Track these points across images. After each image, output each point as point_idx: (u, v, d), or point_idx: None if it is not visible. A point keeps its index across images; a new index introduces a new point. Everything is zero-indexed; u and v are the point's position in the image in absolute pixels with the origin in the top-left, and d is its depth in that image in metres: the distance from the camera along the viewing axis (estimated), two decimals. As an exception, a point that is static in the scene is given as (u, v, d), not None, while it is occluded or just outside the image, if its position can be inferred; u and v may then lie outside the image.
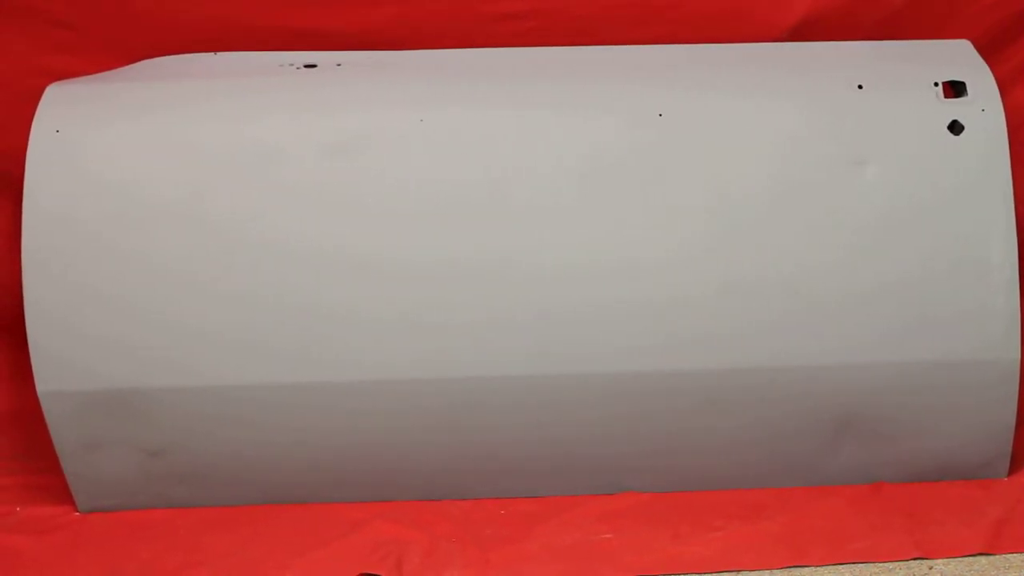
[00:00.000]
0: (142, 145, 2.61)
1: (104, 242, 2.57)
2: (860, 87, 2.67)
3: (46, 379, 2.59)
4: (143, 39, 2.91)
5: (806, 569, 2.47)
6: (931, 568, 2.45)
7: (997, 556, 2.47)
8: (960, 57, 2.75)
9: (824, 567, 2.47)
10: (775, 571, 2.46)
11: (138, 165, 2.60)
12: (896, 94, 2.66)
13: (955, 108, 2.64)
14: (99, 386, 2.60)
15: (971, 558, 2.47)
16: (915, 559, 2.47)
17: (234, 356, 2.59)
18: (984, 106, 2.64)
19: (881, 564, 2.46)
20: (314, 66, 2.77)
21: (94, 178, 2.59)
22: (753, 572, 2.46)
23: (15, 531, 2.64)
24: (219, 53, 2.86)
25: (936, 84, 2.67)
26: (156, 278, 2.58)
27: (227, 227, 2.58)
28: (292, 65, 2.77)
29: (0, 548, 2.59)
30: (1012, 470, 2.72)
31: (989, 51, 2.89)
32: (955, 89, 2.68)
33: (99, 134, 2.62)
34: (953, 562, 2.46)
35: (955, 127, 2.63)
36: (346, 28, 2.92)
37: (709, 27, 2.93)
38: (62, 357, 2.59)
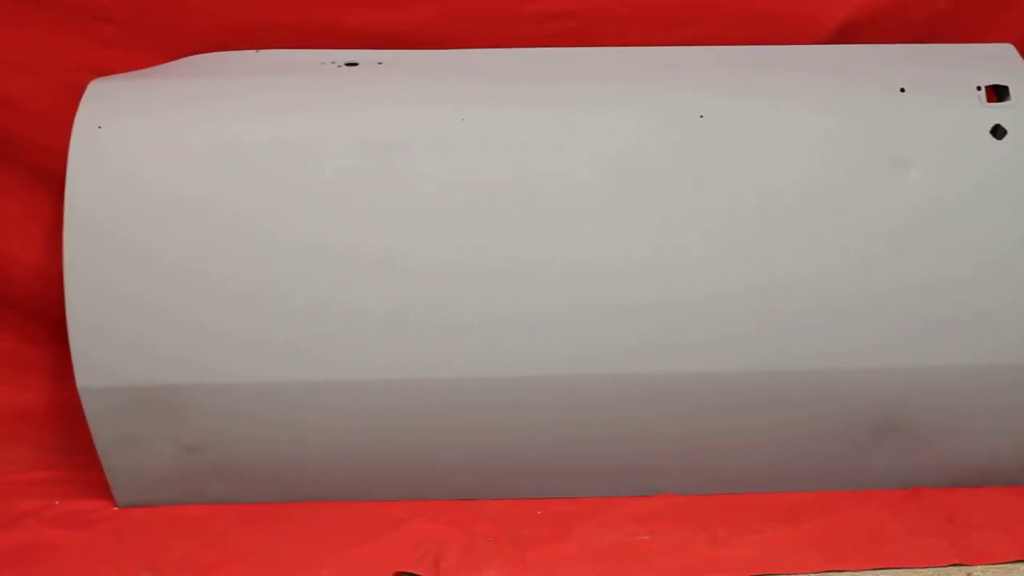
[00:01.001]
0: (183, 141, 2.62)
1: (145, 239, 2.57)
2: (902, 90, 2.66)
3: (86, 375, 2.60)
4: (185, 36, 2.91)
5: (844, 574, 2.46)
6: (969, 574, 2.44)
7: (1037, 563, 2.47)
8: (1003, 61, 2.74)
9: (862, 572, 2.47)
10: (812, 575, 2.46)
11: (179, 161, 2.60)
12: (938, 98, 2.65)
13: (997, 112, 2.63)
14: (138, 382, 2.60)
15: (1010, 565, 2.46)
16: (953, 565, 2.46)
17: (273, 353, 2.59)
18: (1027, 110, 2.64)
19: (919, 570, 2.46)
20: (355, 64, 2.77)
21: (135, 174, 2.59)
22: (791, 576, 2.47)
23: (54, 525, 2.65)
24: (260, 50, 2.86)
25: (979, 88, 2.66)
26: (196, 275, 2.58)
27: (267, 225, 2.58)
28: (333, 63, 2.78)
29: (39, 542, 2.60)
30: (1052, 476, 2.71)
31: (1033, 55, 2.88)
32: (998, 93, 2.67)
33: (141, 130, 2.62)
34: (992, 568, 2.46)
35: (997, 131, 2.62)
36: (387, 27, 2.92)
37: (751, 28, 2.92)
38: (102, 353, 2.59)
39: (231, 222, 2.58)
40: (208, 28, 2.92)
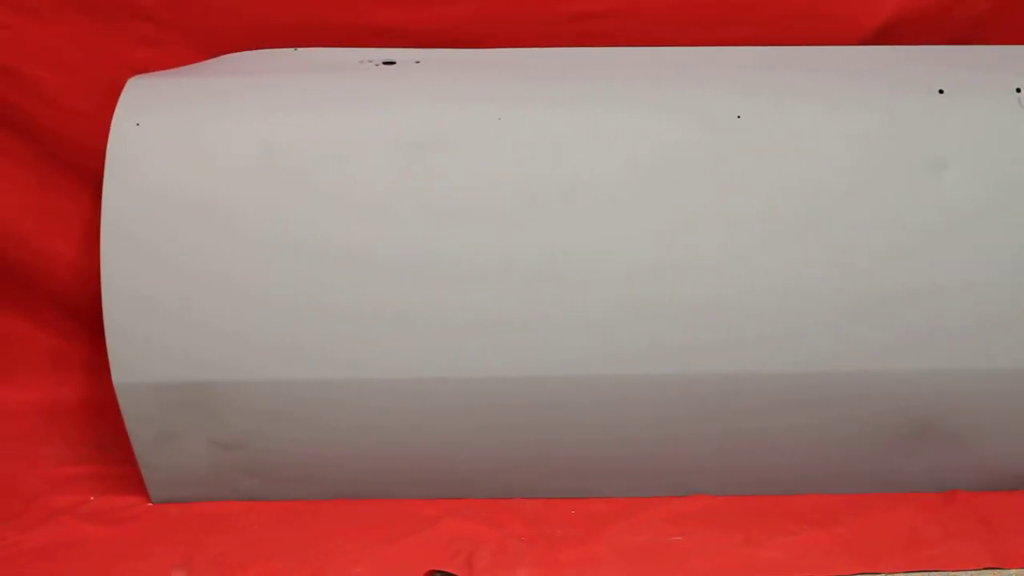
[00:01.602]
0: (220, 139, 2.62)
1: (182, 236, 2.58)
2: (941, 92, 2.64)
3: (121, 371, 2.60)
4: (224, 34, 2.92)
5: (878, 576, 2.47)
6: (1003, 578, 2.44)
7: (1073, 567, 2.46)
8: (1043, 63, 2.74)
9: (895, 574, 2.45)
10: (846, 577, 2.46)
11: (216, 159, 2.61)
12: (977, 99, 2.64)
13: (1036, 114, 2.63)
14: (173, 379, 2.61)
15: (1045, 569, 2.46)
16: (987, 569, 2.45)
17: (310, 351, 2.59)
18: (1066, 113, 2.62)
19: (953, 572, 2.45)
20: (393, 63, 2.78)
21: (173, 172, 2.60)
22: (824, 578, 2.46)
23: (88, 520, 2.66)
24: (299, 49, 2.87)
25: (1018, 90, 2.64)
26: (234, 273, 2.58)
27: (304, 224, 2.58)
28: (371, 62, 2.78)
29: (73, 537, 2.61)
30: (1089, 480, 2.70)
31: (1073, 57, 2.86)
32: (1037, 95, 2.66)
33: (178, 128, 2.63)
34: (1027, 572, 2.45)
35: (1036, 133, 2.61)
36: (425, 25, 2.92)
37: (791, 28, 2.91)
38: (137, 350, 2.60)
39: (267, 221, 2.58)
40: (247, 27, 2.93)
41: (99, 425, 2.97)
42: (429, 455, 2.67)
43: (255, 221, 2.58)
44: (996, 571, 2.44)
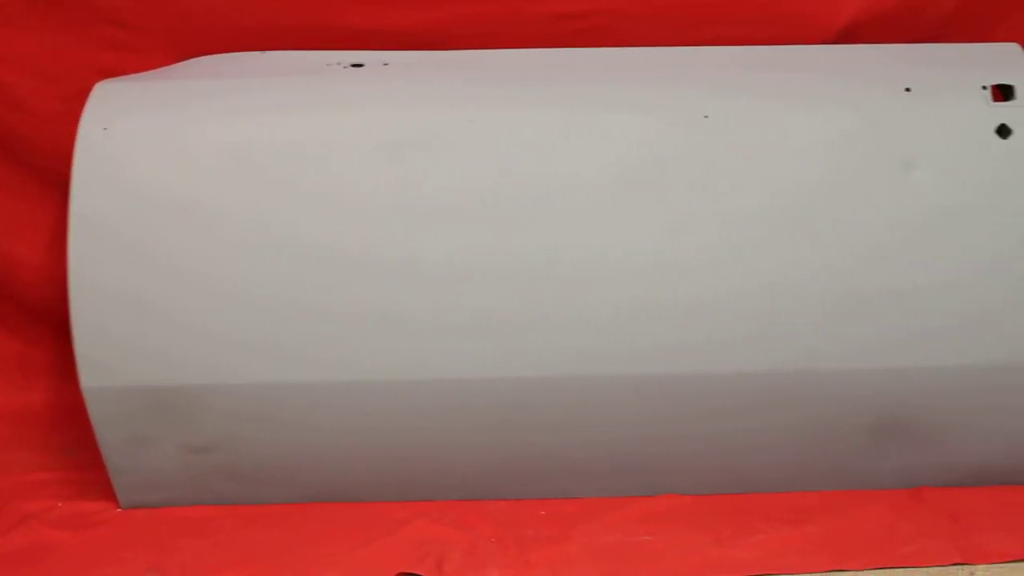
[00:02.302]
0: (188, 143, 2.62)
1: (150, 240, 2.58)
2: (908, 90, 2.65)
3: (90, 376, 2.60)
4: (193, 37, 2.92)
5: (847, 573, 2.46)
6: (972, 573, 2.44)
7: (1040, 562, 2.47)
8: (1009, 60, 2.73)
9: (865, 571, 2.46)
10: (816, 575, 2.46)
11: (184, 163, 2.60)
12: (944, 97, 2.65)
13: (1003, 111, 2.63)
14: (142, 383, 2.60)
15: (1013, 564, 2.46)
16: (956, 564, 2.46)
17: (279, 354, 2.59)
18: (1033, 110, 2.63)
19: (923, 569, 2.45)
20: (361, 65, 2.78)
21: (141, 176, 2.60)
22: (795, 576, 2.46)
23: (57, 526, 2.65)
24: (266, 52, 2.87)
25: (984, 87, 2.65)
26: (200, 277, 2.58)
27: (274, 227, 2.58)
28: (339, 64, 2.78)
29: (42, 543, 2.60)
30: (1056, 475, 2.71)
31: (1039, 55, 2.88)
32: (1003, 93, 2.66)
33: (146, 132, 2.63)
34: (994, 568, 2.45)
35: (1003, 131, 2.61)
36: (397, 28, 2.92)
37: (760, 29, 2.92)
38: (106, 354, 2.59)
39: (237, 224, 2.58)
40: (215, 30, 2.93)
41: (67, 430, 2.96)
42: (399, 457, 2.67)
43: (224, 224, 2.58)
44: (964, 567, 2.45)
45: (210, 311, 2.58)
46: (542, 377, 2.60)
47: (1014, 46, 2.79)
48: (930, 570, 2.45)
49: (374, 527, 2.61)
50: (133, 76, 2.81)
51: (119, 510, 2.71)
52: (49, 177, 2.97)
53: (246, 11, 2.92)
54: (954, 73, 2.69)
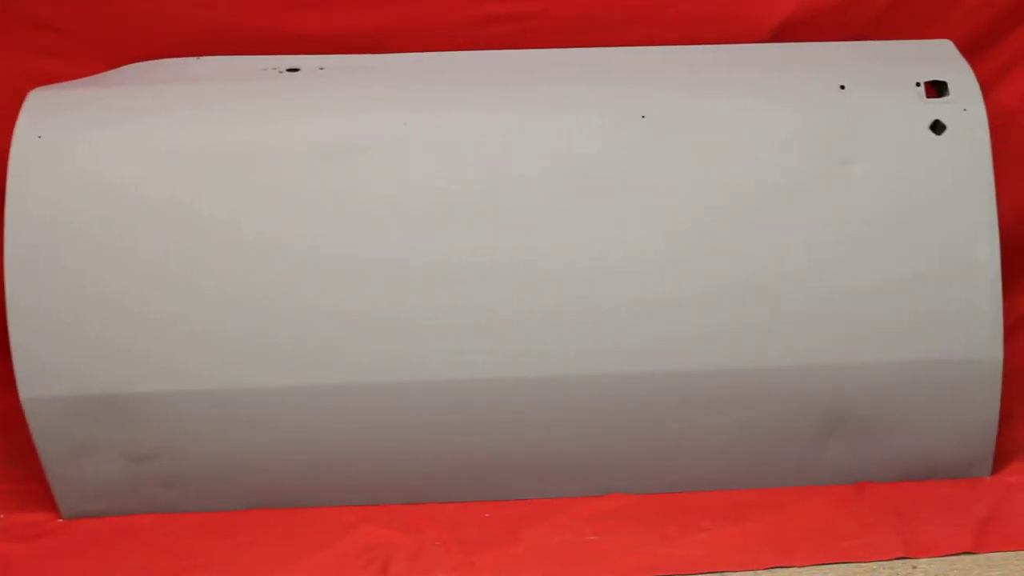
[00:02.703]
0: (125, 149, 2.61)
1: (87, 247, 2.56)
2: (842, 87, 2.67)
3: (29, 385, 2.58)
4: (128, 43, 2.90)
5: (792, 569, 2.47)
6: (915, 567, 2.45)
7: (980, 555, 2.48)
8: (942, 57, 2.76)
9: (809, 567, 2.47)
10: (761, 571, 2.47)
11: (121, 169, 2.59)
12: (878, 94, 2.67)
13: (937, 108, 2.65)
14: (83, 391, 2.59)
15: (954, 557, 2.47)
16: (899, 559, 2.47)
17: (220, 360, 2.58)
18: (966, 106, 2.64)
19: (866, 564, 2.47)
20: (297, 70, 2.77)
21: (76, 183, 2.58)
22: (740, 573, 2.46)
23: (-1, 538, 2.64)
24: (201, 57, 2.85)
25: (918, 84, 2.67)
26: (139, 282, 2.57)
27: (209, 231, 2.57)
28: (275, 69, 2.77)
29: (-17, 556, 2.59)
30: (995, 469, 2.72)
31: (971, 51, 2.89)
32: (937, 89, 2.68)
33: (81, 139, 2.61)
34: (937, 561, 2.47)
35: (937, 127, 2.63)
36: (332, 32, 2.91)
37: (694, 29, 2.93)
38: (45, 362, 2.58)
39: (172, 228, 2.57)
40: (150, 36, 2.91)
41: (5, 441, 2.93)
42: (343, 461, 2.66)
43: (160, 230, 2.57)
44: (907, 560, 2.46)
45: (147, 319, 2.57)
46: (485, 379, 2.60)
47: (947, 43, 2.82)
48: (873, 564, 2.47)
49: (319, 532, 2.60)
50: (68, 83, 2.79)
51: (61, 521, 2.69)
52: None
53: (181, 17, 2.91)
54: (888, 70, 2.71)
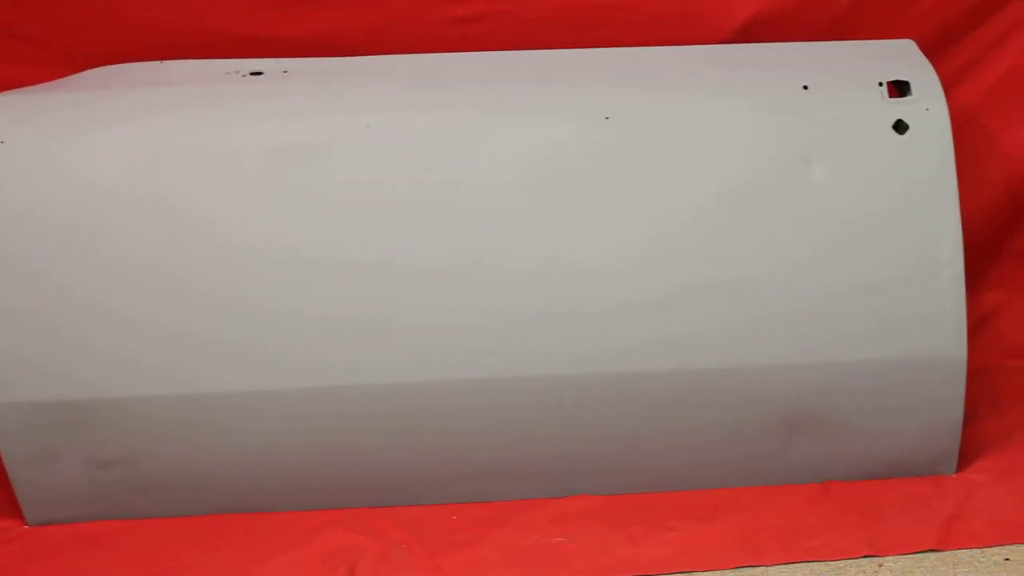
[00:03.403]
0: (89, 154, 2.60)
1: (49, 253, 2.56)
2: (805, 88, 2.67)
3: (-6, 390, 2.58)
4: (92, 48, 2.89)
5: (759, 568, 2.48)
6: (881, 565, 2.46)
7: (946, 552, 2.49)
8: (904, 57, 2.77)
9: (776, 566, 2.48)
10: (728, 571, 2.47)
11: (85, 174, 2.58)
12: (841, 94, 2.67)
13: (900, 107, 2.65)
14: (48, 397, 2.58)
15: (920, 555, 2.48)
16: (865, 556, 2.48)
17: (184, 365, 2.58)
18: (928, 105, 2.65)
19: (832, 562, 2.47)
20: (260, 73, 2.76)
21: (40, 188, 2.57)
22: (708, 572, 2.47)
23: (-37, 547, 2.63)
24: (165, 61, 2.85)
25: (881, 84, 2.68)
26: (104, 288, 2.56)
27: (173, 235, 2.57)
28: (238, 73, 2.77)
29: (-53, 564, 2.58)
30: (960, 467, 2.73)
31: (933, 51, 2.91)
32: (899, 89, 2.69)
33: (45, 144, 2.60)
34: (903, 559, 2.47)
35: (900, 126, 2.64)
36: (295, 35, 2.91)
37: (658, 30, 2.94)
38: (9, 368, 2.57)
39: (136, 235, 2.57)
40: (113, 41, 2.91)
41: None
42: (309, 465, 2.66)
43: (125, 236, 2.57)
44: (873, 559, 2.47)
45: (110, 325, 2.57)
46: (450, 381, 2.60)
47: (909, 43, 2.83)
48: (840, 563, 2.47)
49: (285, 537, 2.60)
50: (31, 88, 2.78)
51: (27, 527, 2.68)
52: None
53: (146, 21, 2.91)
54: (851, 70, 2.71)
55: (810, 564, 2.48)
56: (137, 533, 2.65)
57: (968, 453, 2.76)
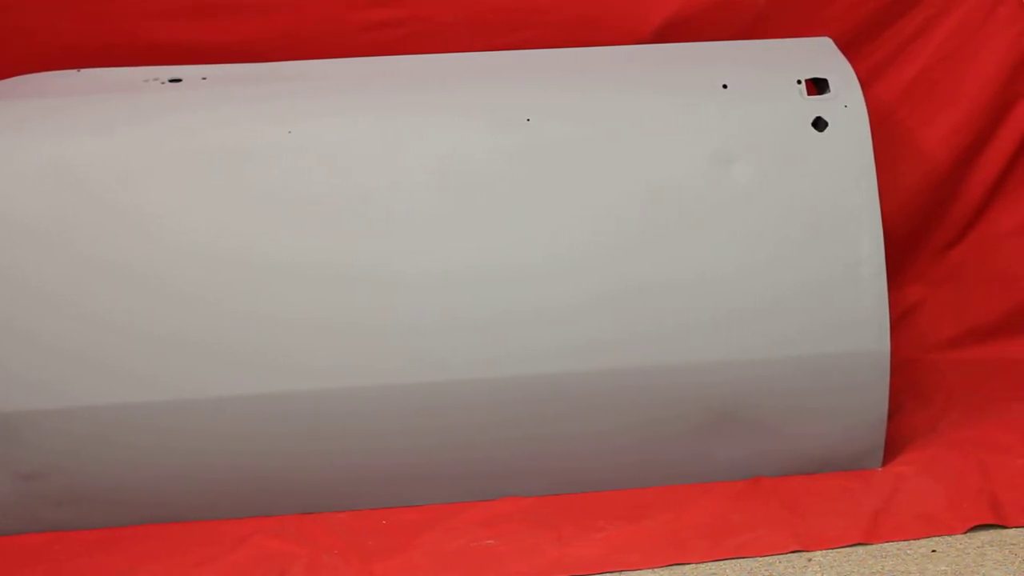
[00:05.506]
0: (7, 163, 2.57)
1: (-30, 261, 2.54)
2: (724, 86, 2.69)
3: (-87, 405, 2.55)
4: (9, 57, 2.87)
5: (688, 566, 2.48)
6: (810, 560, 2.48)
7: (873, 545, 2.50)
8: (822, 54, 2.79)
9: (706, 563, 2.49)
10: (659, 569, 2.48)
11: (5, 182, 2.56)
12: (760, 92, 2.69)
13: (818, 105, 2.67)
14: (-31, 411, 2.56)
15: (848, 548, 2.50)
16: (794, 552, 2.50)
17: (105, 376, 2.56)
18: (847, 102, 2.67)
19: (761, 558, 2.49)
20: (179, 80, 2.75)
21: (-42, 197, 2.55)
22: (638, 571, 2.47)
23: None
24: (82, 70, 2.82)
25: (799, 81, 2.70)
26: (23, 299, 2.54)
27: (93, 246, 2.55)
28: (157, 80, 2.75)
29: None
30: (886, 460, 2.75)
31: (850, 48, 2.94)
32: (818, 86, 2.71)
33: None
34: (831, 553, 2.49)
35: (819, 123, 2.66)
36: (214, 42, 2.90)
37: (577, 31, 2.95)
38: (-70, 382, 2.55)
39: (60, 242, 2.55)
40: (28, 50, 2.89)
41: None
42: (234, 472, 2.64)
43: (44, 245, 2.54)
44: (802, 554, 2.49)
45: (31, 335, 2.54)
46: (377, 385, 2.59)
47: (827, 40, 2.85)
48: (768, 558, 2.49)
49: (213, 545, 2.58)
50: (-54, 99, 2.75)
51: (-50, 543, 2.66)
52: None
53: (63, 29, 2.90)
54: (769, 68, 2.73)
55: (739, 560, 2.49)
56: (63, 545, 2.62)
57: (894, 446, 2.78)
